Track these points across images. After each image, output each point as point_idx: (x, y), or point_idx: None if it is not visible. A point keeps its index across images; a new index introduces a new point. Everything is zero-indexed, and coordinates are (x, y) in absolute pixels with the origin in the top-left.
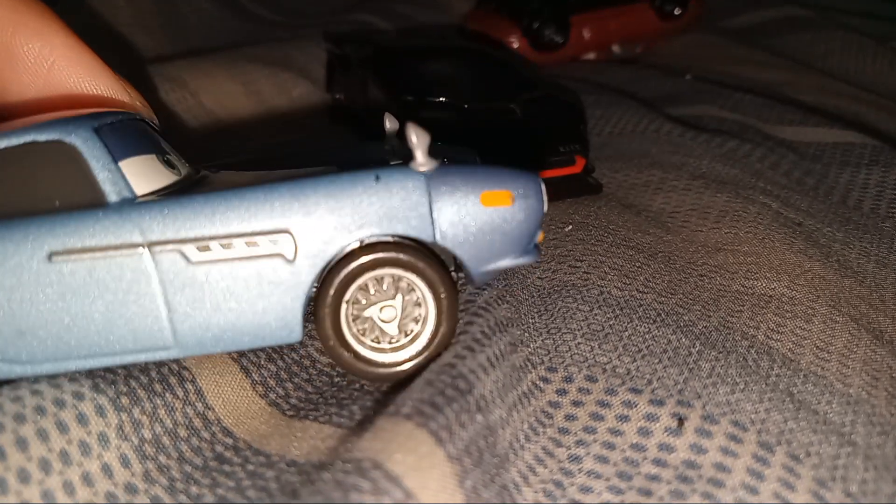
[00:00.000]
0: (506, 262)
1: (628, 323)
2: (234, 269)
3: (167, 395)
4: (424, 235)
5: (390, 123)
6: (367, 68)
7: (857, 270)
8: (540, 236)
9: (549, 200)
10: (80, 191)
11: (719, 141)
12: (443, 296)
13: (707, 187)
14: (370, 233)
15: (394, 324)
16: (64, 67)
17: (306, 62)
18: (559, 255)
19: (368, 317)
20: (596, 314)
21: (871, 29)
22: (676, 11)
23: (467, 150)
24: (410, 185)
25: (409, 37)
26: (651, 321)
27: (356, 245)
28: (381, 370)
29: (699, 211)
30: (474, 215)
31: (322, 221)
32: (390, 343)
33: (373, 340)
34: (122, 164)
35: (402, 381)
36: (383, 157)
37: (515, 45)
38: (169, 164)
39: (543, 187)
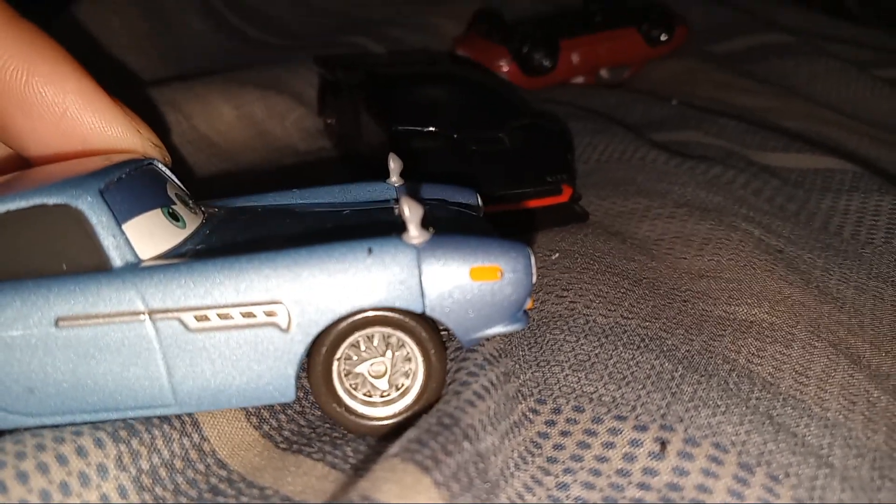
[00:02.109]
0: (494, 330)
1: (613, 350)
2: (230, 336)
3: (164, 426)
4: (414, 306)
5: (394, 164)
6: (357, 94)
7: (837, 297)
8: (529, 303)
9: (536, 230)
10: (85, 254)
11: (703, 167)
12: (432, 352)
13: (691, 215)
14: (361, 303)
15: (384, 379)
16: (76, 113)
17: (298, 85)
18: (547, 284)
19: (360, 372)
20: (583, 344)
21: (853, 56)
22: (663, 37)
23: (467, 191)
24: (402, 258)
25: (399, 62)
26: (635, 347)
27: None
28: (372, 423)
29: (683, 238)
30: (463, 288)
31: (315, 293)
32: (382, 397)
33: (364, 394)
34: (126, 226)
35: (395, 430)
36: (381, 209)
37: (505, 69)
38: (174, 217)
39: (533, 260)
